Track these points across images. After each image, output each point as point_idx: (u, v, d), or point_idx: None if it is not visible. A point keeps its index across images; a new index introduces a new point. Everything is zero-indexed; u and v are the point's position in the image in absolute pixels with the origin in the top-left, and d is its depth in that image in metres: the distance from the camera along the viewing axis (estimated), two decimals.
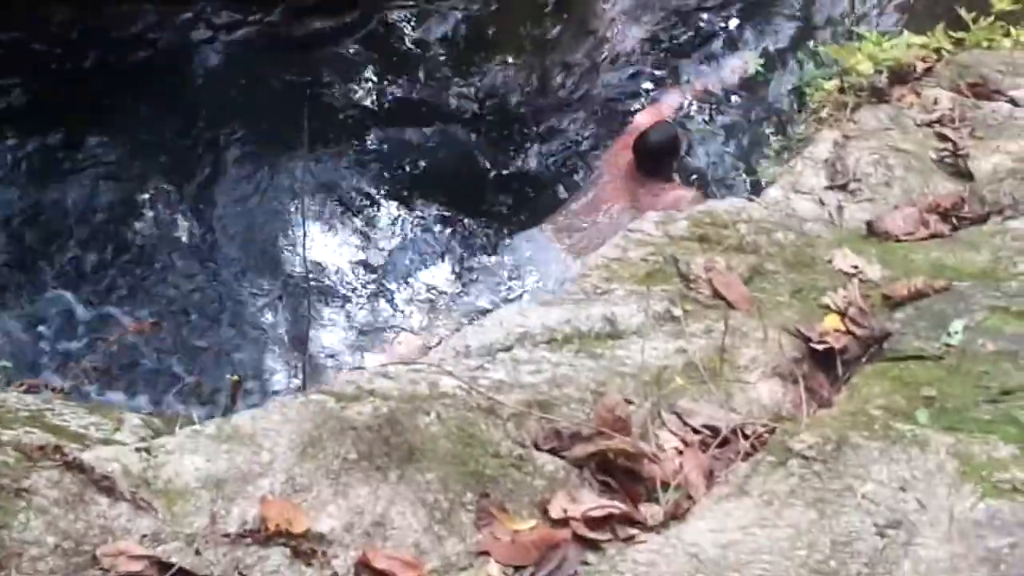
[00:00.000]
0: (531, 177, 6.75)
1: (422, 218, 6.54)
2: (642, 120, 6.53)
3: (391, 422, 1.86)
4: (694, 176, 6.46)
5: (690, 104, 6.83)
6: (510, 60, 7.20)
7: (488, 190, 6.68)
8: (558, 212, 6.39)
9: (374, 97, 7.08)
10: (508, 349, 2.20)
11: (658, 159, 6.13)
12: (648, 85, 7.07)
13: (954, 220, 2.96)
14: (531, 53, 7.24)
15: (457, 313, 6.04)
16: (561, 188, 6.63)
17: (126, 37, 6.89)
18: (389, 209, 6.58)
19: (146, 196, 6.33)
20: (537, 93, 7.12)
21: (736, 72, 7.06)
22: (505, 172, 6.78)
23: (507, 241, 6.38)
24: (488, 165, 6.80)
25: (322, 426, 1.84)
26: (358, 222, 6.50)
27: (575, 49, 7.28)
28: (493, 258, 6.30)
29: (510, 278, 6.20)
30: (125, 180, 6.39)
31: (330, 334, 5.92)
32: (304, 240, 6.15)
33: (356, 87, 7.10)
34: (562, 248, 6.18)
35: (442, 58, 7.21)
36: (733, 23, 7.28)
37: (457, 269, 6.30)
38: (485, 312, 5.87)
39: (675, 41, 7.27)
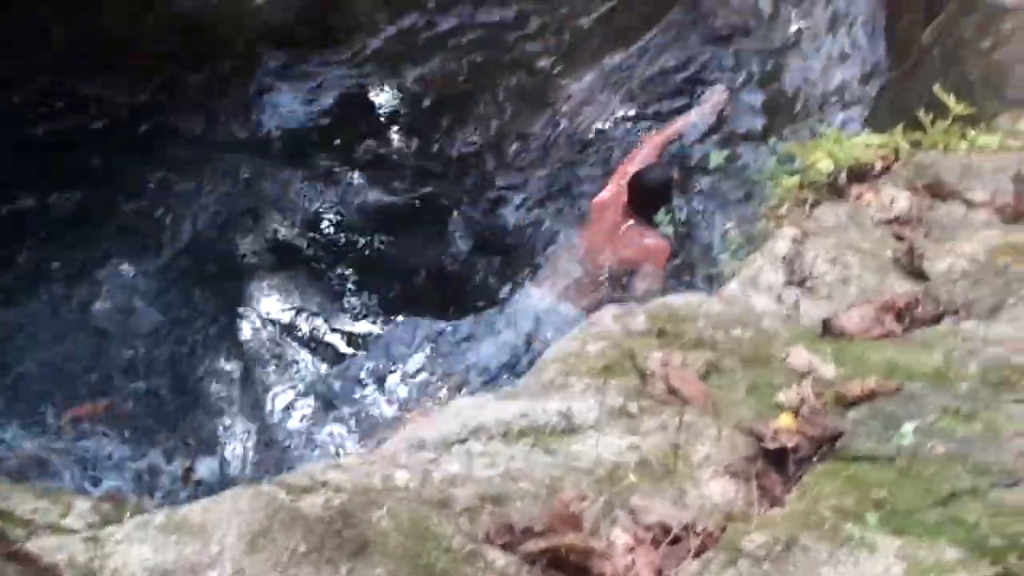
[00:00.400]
0: (501, 251, 6.82)
1: (394, 299, 6.56)
2: (607, 194, 6.65)
3: (343, 515, 1.85)
4: None
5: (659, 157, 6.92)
6: (475, 134, 7.31)
7: (462, 262, 6.75)
8: (544, 267, 6.48)
9: (336, 170, 7.15)
10: (463, 442, 2.20)
11: (652, 192, 6.48)
12: (608, 155, 7.20)
13: (908, 320, 2.99)
14: (496, 129, 7.36)
15: (455, 384, 6.03)
16: (531, 256, 6.70)
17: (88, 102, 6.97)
18: (358, 285, 6.59)
19: (104, 273, 6.32)
20: (499, 166, 7.22)
21: (713, 109, 7.17)
22: (475, 243, 6.85)
23: (497, 304, 6.42)
24: (457, 238, 6.86)
25: (273, 517, 1.82)
26: (325, 299, 6.50)
27: (534, 123, 7.41)
28: (486, 323, 6.32)
29: (506, 337, 6.20)
30: (82, 256, 6.39)
31: (291, 417, 5.88)
32: (263, 319, 6.14)
33: (318, 161, 7.16)
34: (552, 295, 6.23)
35: (404, 133, 7.31)
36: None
37: (444, 343, 6.30)
38: (488, 375, 5.88)
39: (634, 118, 7.40)
